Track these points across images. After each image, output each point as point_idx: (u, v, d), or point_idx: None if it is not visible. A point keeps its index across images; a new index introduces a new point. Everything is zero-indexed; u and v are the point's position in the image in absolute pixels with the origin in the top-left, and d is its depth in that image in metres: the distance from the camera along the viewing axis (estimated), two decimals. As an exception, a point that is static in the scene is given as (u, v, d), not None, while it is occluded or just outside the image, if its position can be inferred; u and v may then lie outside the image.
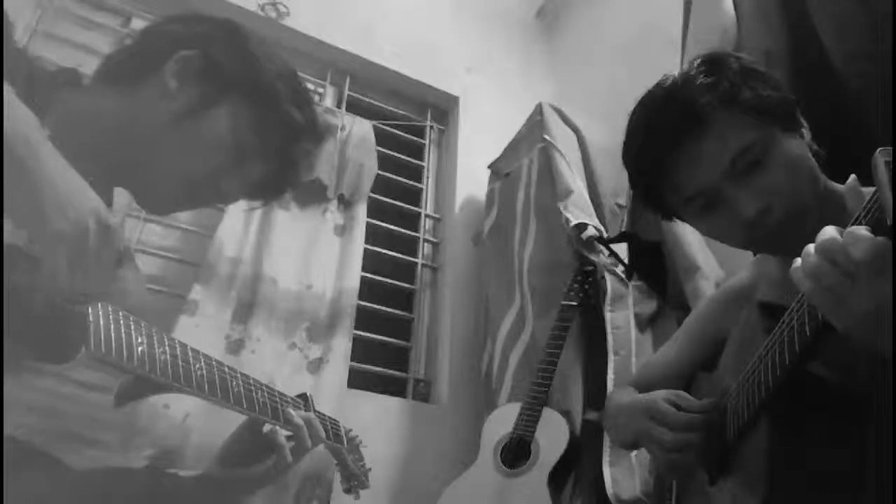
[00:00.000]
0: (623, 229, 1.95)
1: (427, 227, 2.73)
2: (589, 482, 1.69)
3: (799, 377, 0.76)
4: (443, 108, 2.97)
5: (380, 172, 2.49)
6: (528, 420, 1.81)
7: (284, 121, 0.92)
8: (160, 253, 2.12)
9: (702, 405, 0.96)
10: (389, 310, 2.49)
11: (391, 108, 2.83)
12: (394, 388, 2.38)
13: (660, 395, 1.00)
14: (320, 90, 2.65)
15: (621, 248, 1.97)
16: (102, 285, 0.66)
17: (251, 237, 2.10)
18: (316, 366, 2.02)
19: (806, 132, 0.91)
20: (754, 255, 1.14)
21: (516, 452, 1.81)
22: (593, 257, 1.96)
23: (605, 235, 2.00)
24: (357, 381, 2.22)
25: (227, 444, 1.03)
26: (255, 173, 0.93)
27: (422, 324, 2.53)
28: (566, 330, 1.88)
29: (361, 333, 2.27)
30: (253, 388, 0.97)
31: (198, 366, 0.86)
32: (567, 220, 2.00)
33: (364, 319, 2.31)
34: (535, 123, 2.43)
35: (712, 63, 0.91)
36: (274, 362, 1.95)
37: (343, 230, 2.31)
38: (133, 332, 0.77)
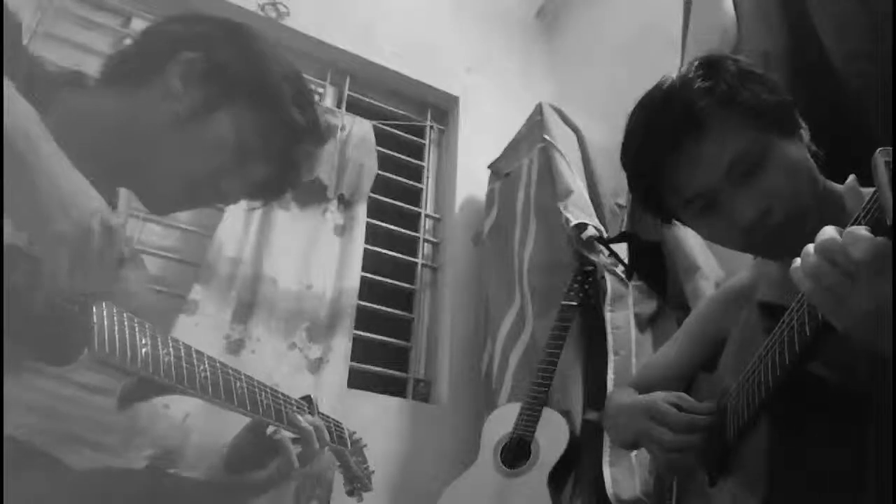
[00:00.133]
0: (623, 229, 1.95)
1: (427, 227, 2.73)
2: (589, 482, 1.69)
3: (799, 377, 0.76)
4: (443, 108, 2.97)
5: (380, 172, 2.49)
6: (528, 420, 1.81)
7: (287, 123, 0.92)
8: (160, 253, 2.12)
9: (702, 407, 0.96)
10: (389, 310, 2.49)
11: (391, 108, 2.83)
12: (394, 388, 2.38)
13: (660, 396, 1.00)
14: (320, 90, 2.65)
15: (621, 248, 1.97)
16: (104, 286, 0.65)
17: (251, 237, 2.10)
18: (316, 366, 2.02)
19: (805, 133, 0.91)
20: (754, 256, 1.14)
21: (516, 452, 1.81)
22: (593, 257, 1.96)
23: (605, 235, 2.00)
24: (357, 381, 2.22)
25: (232, 447, 1.03)
26: (257, 174, 0.93)
27: (422, 324, 2.53)
28: (566, 330, 1.88)
29: (361, 333, 2.27)
30: (257, 389, 0.97)
31: (202, 367, 0.86)
32: (567, 220, 2.00)
33: (364, 319, 2.31)
34: (535, 123, 2.43)
35: (710, 66, 0.91)
36: (274, 362, 1.95)
37: (343, 230, 2.31)
38: (137, 333, 0.77)
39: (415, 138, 2.87)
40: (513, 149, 2.56)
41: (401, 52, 2.80)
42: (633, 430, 1.03)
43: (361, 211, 2.36)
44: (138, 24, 2.35)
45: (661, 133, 0.90)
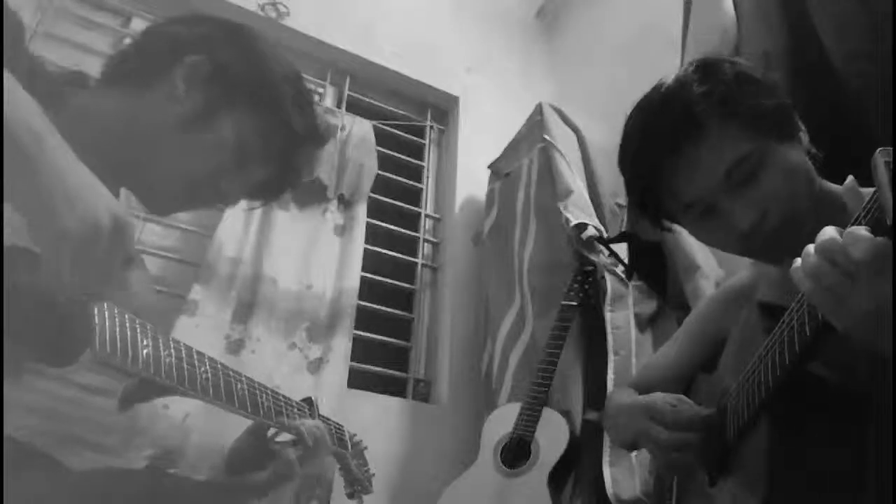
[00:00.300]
0: (623, 229, 1.95)
1: (427, 227, 2.73)
2: (589, 482, 1.69)
3: (799, 377, 0.76)
4: (443, 108, 2.97)
5: (380, 172, 2.49)
6: (528, 420, 1.81)
7: (287, 126, 0.93)
8: (160, 253, 2.12)
9: (702, 409, 0.96)
10: (389, 310, 2.49)
11: (391, 108, 2.83)
12: (394, 388, 2.38)
13: (659, 397, 1.00)
14: (320, 90, 2.65)
15: (621, 248, 1.97)
16: (108, 286, 0.65)
17: (251, 237, 2.10)
18: (316, 366, 2.02)
19: (803, 136, 0.91)
20: (754, 257, 1.14)
21: (516, 452, 1.81)
22: (593, 257, 1.96)
23: (605, 235, 2.00)
24: (357, 381, 2.22)
25: (233, 448, 1.03)
26: (256, 176, 0.94)
27: (422, 324, 2.53)
28: (566, 330, 1.88)
29: (361, 333, 2.27)
30: (258, 391, 0.97)
31: (203, 369, 0.86)
32: (567, 220, 2.00)
33: (364, 319, 2.31)
34: (535, 123, 2.43)
35: (707, 69, 0.90)
36: (274, 362, 1.95)
37: (343, 230, 2.31)
38: (138, 334, 0.77)
39: (415, 138, 2.87)
40: (513, 149, 2.56)
41: (401, 52, 2.80)
42: (633, 430, 1.03)
43: (361, 211, 2.36)
44: (138, 24, 2.35)
45: (659, 138, 0.89)
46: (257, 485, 0.99)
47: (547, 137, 2.30)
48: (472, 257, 2.60)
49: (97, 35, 2.24)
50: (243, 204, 1.03)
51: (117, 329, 0.74)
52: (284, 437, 1.04)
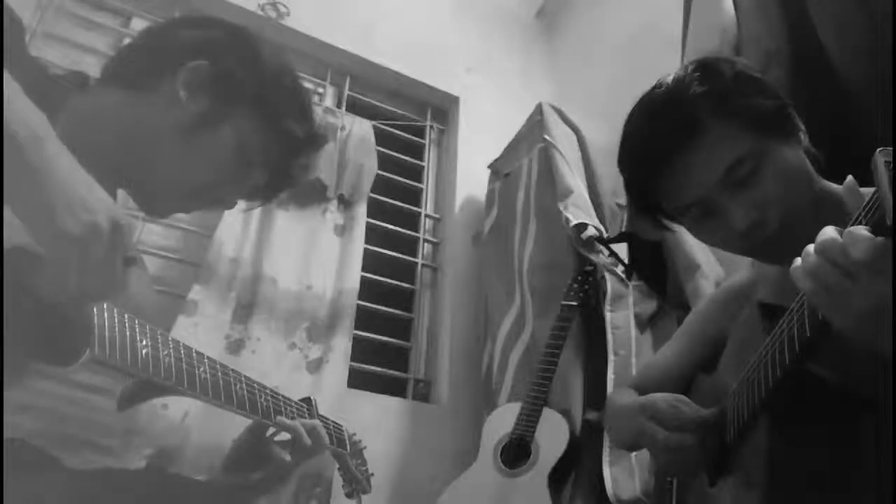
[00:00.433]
0: (623, 229, 1.95)
1: (427, 227, 2.73)
2: (589, 482, 1.69)
3: (799, 377, 0.76)
4: (443, 108, 2.97)
5: (380, 172, 2.49)
6: (528, 420, 1.81)
7: (287, 132, 0.93)
8: (160, 253, 2.12)
9: (702, 410, 0.96)
10: (389, 310, 2.48)
11: (391, 108, 2.83)
12: (394, 388, 2.38)
13: (659, 397, 1.00)
14: (320, 90, 2.65)
15: (621, 248, 1.97)
16: (111, 287, 0.65)
17: (251, 237, 2.10)
18: (316, 366, 2.02)
19: (803, 136, 0.91)
20: (753, 256, 1.14)
21: (516, 452, 1.81)
22: (593, 257, 1.96)
23: (605, 235, 2.00)
24: (357, 381, 2.22)
25: (232, 448, 1.04)
26: (255, 179, 0.94)
27: (422, 324, 2.53)
28: (566, 330, 1.88)
29: (361, 333, 2.27)
30: (256, 391, 0.97)
31: (202, 368, 0.86)
32: (567, 220, 2.00)
33: (364, 319, 2.31)
34: (535, 123, 2.43)
35: (706, 69, 0.90)
36: (274, 362, 1.95)
37: (343, 230, 2.31)
38: (137, 334, 0.77)
39: (415, 138, 2.87)
40: (513, 149, 2.56)
41: (401, 52, 2.80)
42: (633, 430, 1.03)
43: (361, 211, 2.36)
44: (138, 24, 2.35)
45: (658, 137, 0.89)
46: (256, 484, 0.99)
47: (547, 137, 2.30)
48: (472, 257, 2.60)
49: (97, 35, 2.24)
50: (240, 204, 1.03)
51: (116, 329, 0.74)
52: (283, 436, 1.04)
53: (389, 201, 2.64)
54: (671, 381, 1.13)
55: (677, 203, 0.92)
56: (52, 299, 0.65)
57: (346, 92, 2.70)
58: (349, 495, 1.29)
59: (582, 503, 1.69)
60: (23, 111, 0.60)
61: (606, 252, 1.96)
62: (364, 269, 2.29)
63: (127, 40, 0.96)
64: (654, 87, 0.94)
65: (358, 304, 2.21)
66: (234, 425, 1.05)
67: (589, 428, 1.78)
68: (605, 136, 2.29)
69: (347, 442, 1.21)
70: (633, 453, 1.59)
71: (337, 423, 1.21)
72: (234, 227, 2.08)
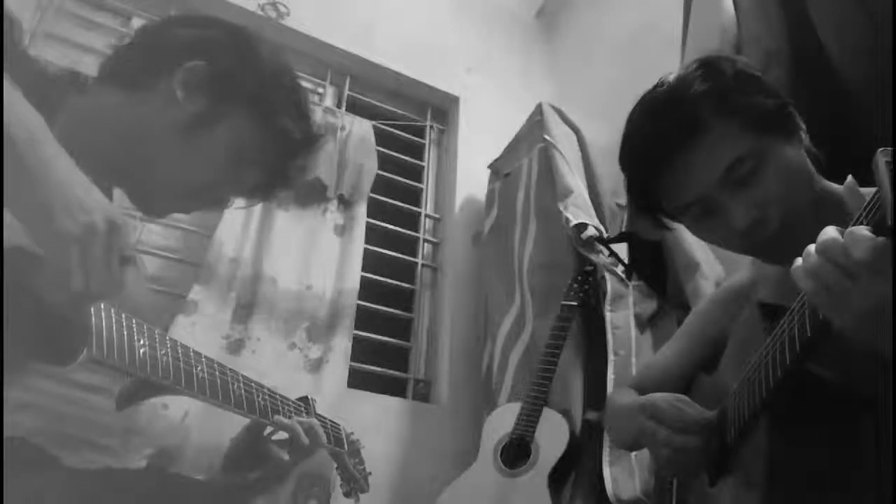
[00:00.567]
0: (623, 229, 1.95)
1: (427, 227, 2.73)
2: (589, 482, 1.69)
3: (799, 377, 0.76)
4: (443, 108, 2.97)
5: (380, 172, 2.49)
6: (528, 420, 1.81)
7: (284, 133, 0.93)
8: (160, 253, 2.12)
9: (702, 410, 0.96)
10: (389, 310, 2.48)
11: (391, 108, 2.83)
12: (394, 388, 2.38)
13: (659, 397, 1.00)
14: (320, 90, 2.65)
15: (621, 248, 1.97)
16: (110, 286, 0.65)
17: (251, 237, 2.10)
18: (316, 366, 2.02)
19: (804, 135, 0.91)
20: (754, 256, 1.14)
21: (516, 452, 1.81)
22: (593, 257, 1.96)
23: (605, 235, 2.00)
24: (357, 381, 2.22)
25: (230, 448, 1.03)
26: (252, 179, 0.94)
27: (422, 324, 2.53)
28: (566, 330, 1.88)
29: (361, 333, 2.27)
30: (254, 390, 0.97)
31: (199, 368, 0.86)
32: (567, 220, 2.00)
33: (364, 319, 2.31)
34: (535, 123, 2.43)
35: (708, 68, 0.91)
36: (274, 362, 1.95)
37: (343, 230, 2.31)
38: (135, 333, 0.77)
39: (415, 138, 2.87)
40: (513, 149, 2.56)
41: (401, 52, 2.80)
42: (634, 430, 1.03)
43: (361, 211, 2.36)
44: (138, 24, 2.35)
45: (660, 135, 0.89)
46: (254, 484, 0.99)
47: (547, 137, 2.30)
48: (472, 257, 2.60)
49: (97, 35, 2.24)
50: (238, 202, 1.03)
51: (114, 328, 0.74)
52: (281, 435, 1.04)
53: (389, 201, 2.63)
54: (671, 381, 1.13)
55: (678, 202, 0.92)
56: (51, 299, 0.65)
57: (346, 92, 2.70)
58: (347, 494, 1.29)
59: (582, 503, 1.69)
60: (20, 113, 0.61)
61: (606, 252, 1.96)
62: (364, 269, 2.29)
63: (126, 40, 0.95)
64: (655, 86, 0.94)
65: (358, 304, 2.21)
66: (234, 425, 1.05)
67: (589, 428, 1.78)
68: (605, 136, 2.28)
69: (345, 441, 1.21)
70: (633, 453, 1.59)
71: (334, 422, 1.21)
72: (234, 227, 2.08)
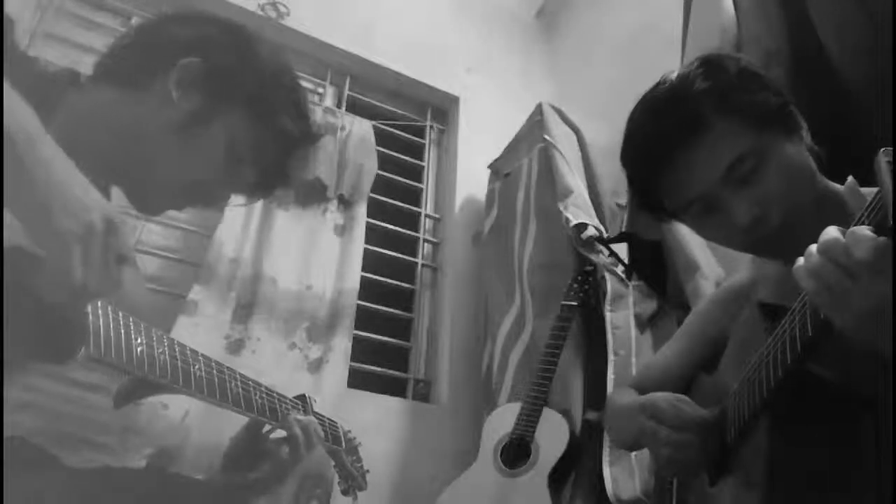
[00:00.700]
0: (623, 229, 1.95)
1: (427, 227, 2.73)
2: (589, 482, 1.69)
3: (799, 377, 0.76)
4: (443, 108, 2.97)
5: (380, 172, 2.49)
6: (528, 420, 1.81)
7: (281, 130, 0.93)
8: (160, 253, 2.12)
9: (702, 410, 0.96)
10: (389, 310, 2.48)
11: (391, 108, 2.83)
12: (394, 388, 2.37)
13: (659, 396, 1.00)
14: (320, 90, 2.65)
15: (621, 248, 1.97)
16: (108, 284, 0.65)
17: (251, 237, 2.10)
18: (316, 366, 2.02)
19: (805, 133, 0.91)
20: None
21: (516, 452, 1.81)
22: (593, 257, 1.96)
23: (605, 235, 2.00)
24: (357, 381, 2.22)
25: (229, 447, 1.03)
26: (248, 177, 0.94)
27: (422, 324, 2.53)
28: (566, 330, 1.88)
29: (361, 333, 2.27)
30: (252, 388, 0.97)
31: (197, 366, 0.86)
32: (567, 220, 2.00)
33: (364, 319, 2.31)
34: (535, 123, 2.43)
35: (710, 65, 0.91)
36: (274, 362, 1.95)
37: (343, 230, 2.31)
38: (132, 332, 0.77)
39: (415, 138, 2.87)
40: (513, 149, 2.56)
41: (401, 52, 2.80)
42: (634, 430, 1.03)
43: (361, 211, 2.36)
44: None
45: (662, 133, 0.89)
46: (255, 483, 0.99)
47: (547, 137, 2.30)
48: (472, 257, 2.60)
49: (97, 35, 2.24)
50: (237, 199, 1.03)
51: (111, 327, 0.74)
52: (280, 434, 1.04)
53: (389, 201, 2.63)
54: (671, 381, 1.13)
55: (680, 199, 0.91)
56: (50, 298, 0.65)
57: (346, 92, 2.70)
58: (345, 492, 1.29)
59: (582, 503, 1.69)
60: (17, 112, 0.61)
61: (606, 252, 1.96)
62: (364, 269, 2.29)
63: (126, 40, 0.94)
64: (657, 84, 0.94)
65: (358, 304, 2.21)
66: (234, 425, 1.05)
67: (589, 428, 1.78)
68: (605, 136, 2.29)
69: (343, 439, 1.21)
70: (633, 453, 1.59)
71: (332, 420, 1.21)
72: (234, 227, 2.08)
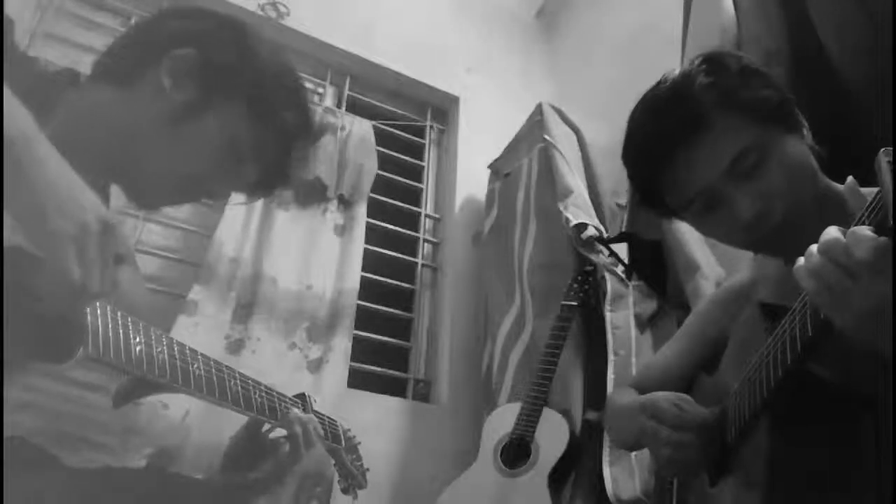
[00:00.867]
0: (623, 229, 1.95)
1: (427, 227, 2.73)
2: (589, 482, 1.69)
3: (799, 377, 0.76)
4: (443, 108, 2.97)
5: (380, 172, 2.49)
6: (528, 420, 1.81)
7: (279, 125, 0.92)
8: (160, 253, 2.12)
9: (704, 409, 0.96)
10: (389, 310, 2.48)
11: (391, 108, 2.83)
12: (394, 388, 2.37)
13: (661, 396, 1.00)
14: (320, 90, 2.65)
15: (621, 248, 1.97)
16: (106, 284, 0.65)
17: (251, 237, 2.10)
18: (316, 366, 2.02)
19: (806, 132, 0.91)
20: (754, 254, 1.14)
21: (516, 452, 1.81)
22: (593, 257, 1.96)
23: (605, 235, 2.00)
24: (357, 381, 2.22)
25: (229, 447, 1.03)
26: (247, 171, 0.93)
27: (422, 324, 2.53)
28: (566, 330, 1.88)
29: (361, 333, 2.27)
30: (251, 387, 0.97)
31: (196, 365, 0.86)
32: (567, 220, 2.00)
33: (364, 319, 2.31)
34: (535, 123, 2.43)
35: (712, 63, 0.91)
36: (274, 362, 1.95)
37: (343, 230, 2.31)
38: (131, 331, 0.77)
39: (415, 138, 2.87)
40: (513, 149, 2.56)
41: (401, 52, 2.80)
42: (635, 429, 1.03)
43: (361, 211, 2.36)
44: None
45: (664, 130, 0.90)
46: (255, 482, 0.99)
47: (547, 137, 2.30)
48: (472, 257, 2.60)
49: (97, 35, 2.24)
50: (240, 199, 1.02)
51: (110, 327, 0.74)
52: (280, 433, 1.04)
53: (389, 201, 2.63)
54: (671, 381, 1.13)
55: (682, 195, 0.91)
56: (48, 298, 0.65)
57: (346, 92, 2.70)
58: (345, 491, 1.29)
59: (582, 503, 1.69)
60: (13, 113, 0.61)
61: (606, 252, 1.96)
62: (364, 269, 2.29)
63: (125, 40, 0.94)
64: (658, 83, 0.94)
65: (358, 304, 2.21)
66: (234, 425, 1.05)
67: (589, 428, 1.78)
68: (605, 136, 2.29)
69: (342, 437, 1.21)
70: (633, 453, 1.59)
71: (332, 419, 1.21)
72: (234, 226, 2.08)
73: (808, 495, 0.78)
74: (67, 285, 0.61)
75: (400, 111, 2.85)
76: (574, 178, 2.16)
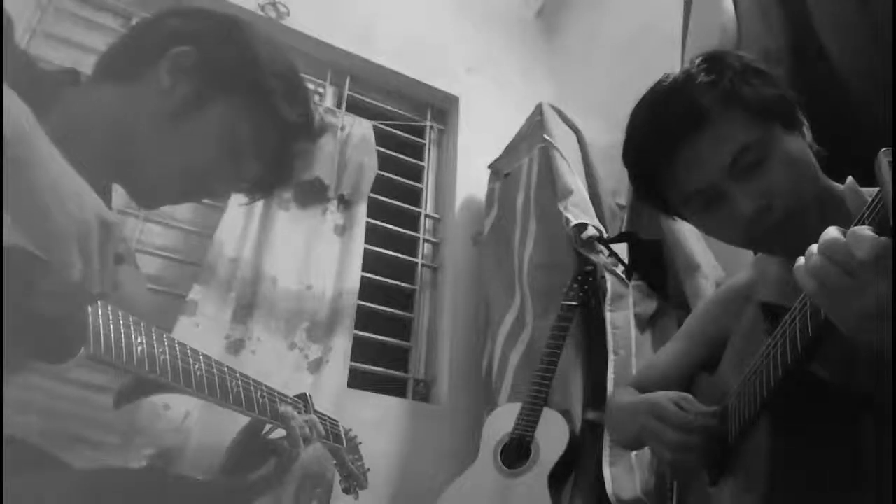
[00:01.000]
0: (623, 229, 1.95)
1: (427, 227, 2.73)
2: (589, 482, 1.69)
3: (799, 377, 0.76)
4: (443, 108, 2.97)
5: (380, 172, 2.49)
6: (528, 420, 1.81)
7: (279, 121, 0.92)
8: (160, 253, 2.12)
9: (705, 408, 0.96)
10: (389, 310, 2.48)
11: (391, 108, 2.83)
12: (394, 388, 2.37)
13: (663, 395, 1.00)
14: (320, 90, 2.65)
15: (621, 248, 1.97)
16: (106, 284, 0.65)
17: (251, 237, 2.10)
18: (316, 366, 2.02)
19: (807, 131, 0.91)
20: (754, 254, 1.14)
21: (516, 452, 1.81)
22: (593, 257, 1.96)
23: (605, 235, 2.00)
24: (357, 381, 2.22)
25: (230, 447, 1.03)
26: (249, 172, 0.93)
27: (422, 324, 2.53)
28: (566, 330, 1.87)
29: (361, 333, 2.27)
30: (252, 388, 0.97)
31: (197, 366, 0.86)
32: (567, 220, 2.00)
33: (364, 319, 2.31)
34: (535, 123, 2.43)
35: (714, 61, 0.91)
36: (274, 362, 1.95)
37: (343, 230, 2.31)
38: (132, 331, 0.77)
39: (415, 138, 2.87)
40: (513, 149, 2.56)
41: (401, 52, 2.80)
42: (636, 428, 1.03)
43: (361, 211, 2.36)
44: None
45: (665, 128, 0.90)
46: (256, 483, 0.99)
47: (547, 137, 2.30)
48: (472, 257, 2.60)
49: (97, 35, 2.24)
50: (241, 200, 1.02)
51: (111, 326, 0.73)
52: (280, 433, 1.04)
53: (389, 201, 2.63)
54: (671, 380, 1.13)
55: (683, 192, 0.91)
56: (49, 298, 0.65)
57: (346, 92, 2.70)
58: (346, 491, 1.29)
59: (582, 503, 1.69)
60: (14, 111, 0.61)
61: (606, 252, 1.96)
62: (364, 269, 2.29)
63: (126, 40, 0.94)
64: (659, 81, 0.94)
65: (358, 304, 2.20)
66: (235, 426, 1.05)
67: (589, 428, 1.78)
68: (605, 136, 2.29)
69: (343, 437, 1.22)
70: (633, 453, 1.59)
71: (333, 419, 1.21)
72: (235, 227, 2.08)
73: (808, 495, 0.78)
74: (68, 285, 0.61)
75: (400, 111, 2.85)
76: (574, 178, 2.16)
